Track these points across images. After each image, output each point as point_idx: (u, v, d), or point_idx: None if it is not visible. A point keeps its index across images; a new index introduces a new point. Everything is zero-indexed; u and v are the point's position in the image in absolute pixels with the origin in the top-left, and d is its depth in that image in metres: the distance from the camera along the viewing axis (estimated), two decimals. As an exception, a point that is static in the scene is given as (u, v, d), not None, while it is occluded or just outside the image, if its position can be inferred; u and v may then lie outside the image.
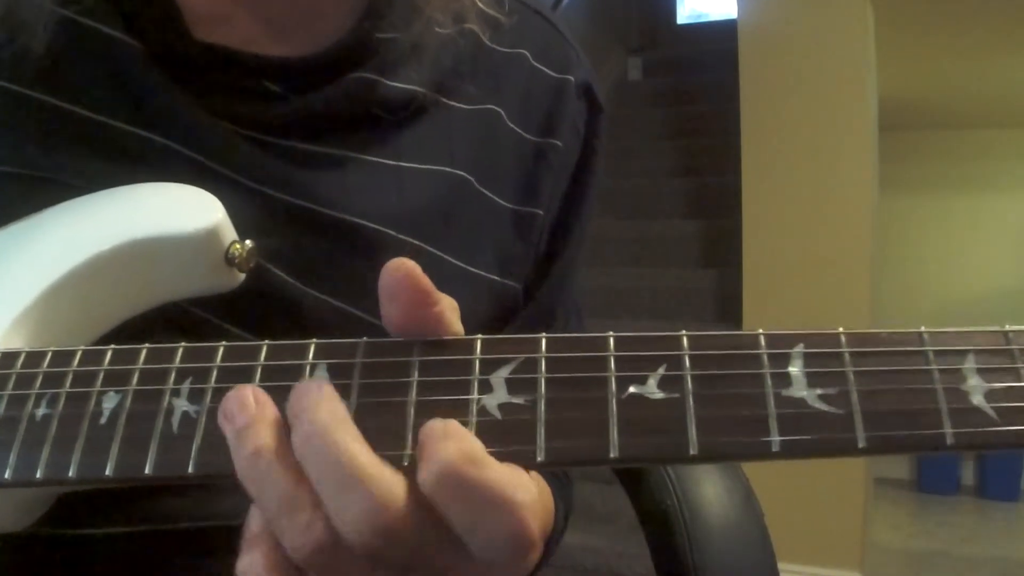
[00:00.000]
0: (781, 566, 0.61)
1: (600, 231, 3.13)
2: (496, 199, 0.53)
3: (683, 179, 3.46)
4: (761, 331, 0.31)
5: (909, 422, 0.29)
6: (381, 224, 0.47)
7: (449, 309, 0.32)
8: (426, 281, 0.31)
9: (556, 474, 0.55)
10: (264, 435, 0.29)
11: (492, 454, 0.29)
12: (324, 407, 0.29)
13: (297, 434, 0.29)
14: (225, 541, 0.43)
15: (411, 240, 0.48)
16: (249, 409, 0.30)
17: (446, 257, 0.50)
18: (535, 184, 0.54)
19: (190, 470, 0.31)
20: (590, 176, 0.58)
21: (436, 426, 0.29)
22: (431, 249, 0.49)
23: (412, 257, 0.48)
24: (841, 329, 0.30)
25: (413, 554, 0.29)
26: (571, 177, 0.57)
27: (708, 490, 0.63)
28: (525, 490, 0.28)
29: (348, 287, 0.46)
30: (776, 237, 2.60)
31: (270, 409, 0.30)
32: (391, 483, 0.28)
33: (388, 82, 0.50)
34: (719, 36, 3.58)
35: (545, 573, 0.55)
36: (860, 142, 2.53)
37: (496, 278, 0.52)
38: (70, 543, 0.42)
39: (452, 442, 0.28)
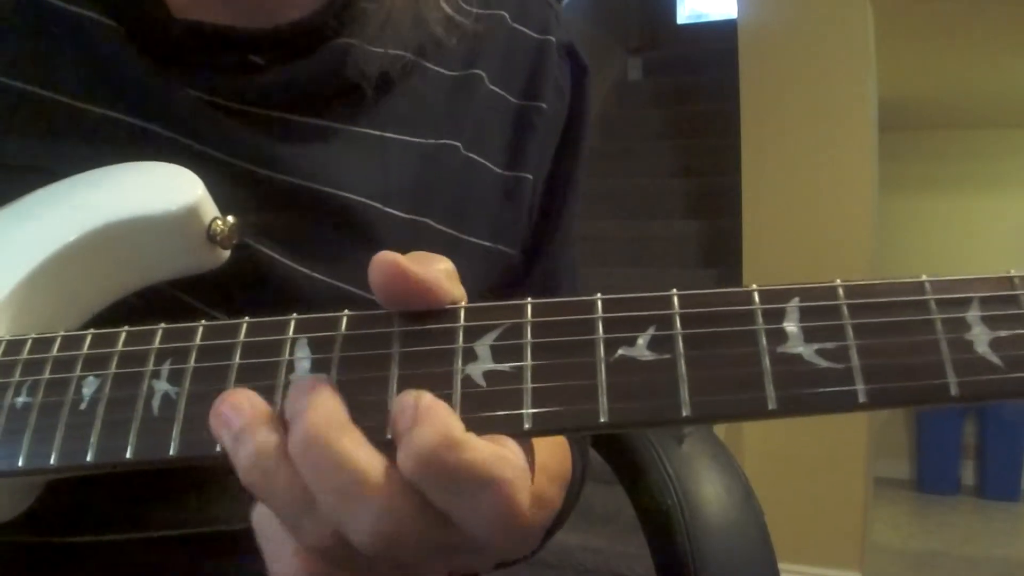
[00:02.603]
0: (781, 566, 0.61)
1: (600, 231, 3.13)
2: (485, 163, 0.52)
3: (683, 179, 3.45)
4: (755, 287, 0.30)
5: (911, 374, 0.27)
6: (367, 197, 0.47)
7: (445, 276, 0.31)
8: (413, 272, 0.30)
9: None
10: (263, 434, 0.28)
11: (477, 422, 0.28)
12: (321, 409, 0.28)
13: (293, 437, 0.28)
14: (218, 547, 0.43)
15: (398, 212, 0.48)
16: (244, 411, 0.29)
17: (436, 226, 0.49)
18: (522, 148, 0.54)
19: (172, 452, 0.31)
20: (580, 137, 0.57)
21: (407, 403, 0.28)
22: (420, 219, 0.49)
23: (401, 229, 0.47)
24: (839, 281, 0.29)
25: (420, 549, 0.28)
26: (560, 139, 0.56)
27: (708, 490, 0.63)
28: (510, 464, 0.27)
29: (336, 262, 0.45)
30: (776, 237, 2.60)
31: (265, 408, 0.29)
32: (397, 490, 0.27)
33: (370, 48, 0.49)
34: (719, 36, 3.58)
35: (546, 573, 0.55)
36: (860, 142, 2.53)
37: (488, 244, 0.52)
38: (60, 552, 0.42)
39: (428, 426, 0.27)
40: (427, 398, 0.28)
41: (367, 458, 0.27)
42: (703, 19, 5.00)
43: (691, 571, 0.59)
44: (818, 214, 2.53)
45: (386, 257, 0.30)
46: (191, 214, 0.40)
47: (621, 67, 4.40)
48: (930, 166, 4.41)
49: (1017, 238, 4.27)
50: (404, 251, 0.49)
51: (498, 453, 0.27)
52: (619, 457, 0.67)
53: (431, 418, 0.27)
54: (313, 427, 0.27)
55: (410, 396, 0.28)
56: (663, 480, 0.63)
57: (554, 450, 0.49)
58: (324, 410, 0.28)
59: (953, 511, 3.84)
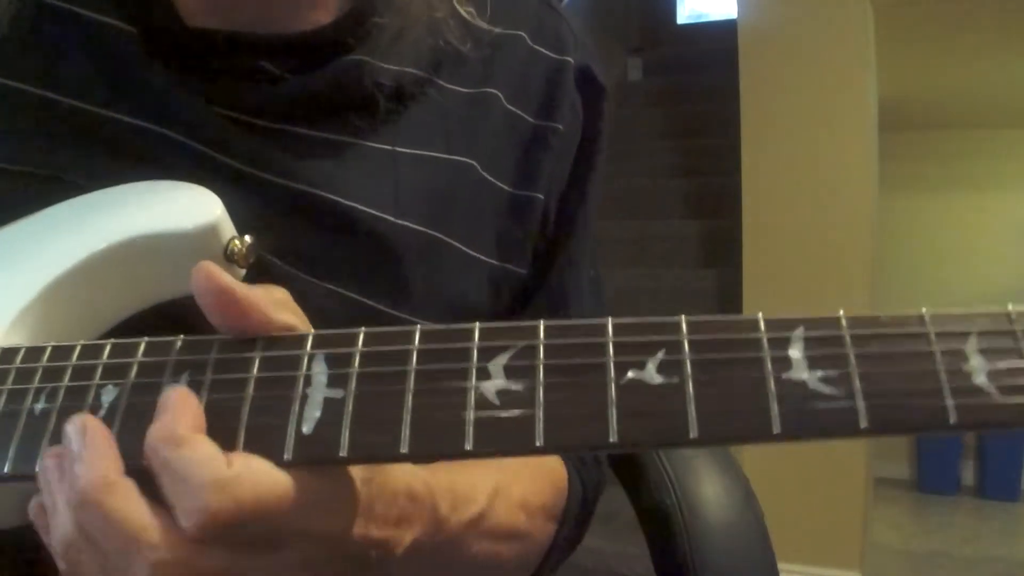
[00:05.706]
0: (781, 566, 0.61)
1: (600, 231, 3.11)
2: (496, 183, 0.52)
3: (683, 179, 3.45)
4: (761, 315, 0.31)
5: (911, 401, 0.28)
6: (379, 210, 0.47)
7: (272, 302, 0.33)
8: (226, 279, 0.32)
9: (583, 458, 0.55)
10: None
11: (490, 439, 0.30)
12: (93, 466, 0.30)
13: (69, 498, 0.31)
14: None
15: (411, 225, 0.48)
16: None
17: (448, 241, 0.50)
18: (534, 168, 0.54)
19: None
20: (595, 157, 0.58)
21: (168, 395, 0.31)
22: (434, 233, 0.49)
23: (413, 241, 0.48)
24: (842, 312, 0.30)
25: None
26: (574, 160, 0.57)
27: (708, 490, 0.63)
28: (217, 472, 0.29)
29: (350, 274, 0.46)
30: (776, 237, 2.59)
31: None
32: (176, 541, 0.30)
33: (383, 65, 0.49)
34: (719, 36, 3.57)
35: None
36: (860, 142, 2.53)
37: (495, 262, 0.52)
38: None
39: (158, 421, 0.30)
40: (182, 394, 0.32)
41: (139, 515, 0.30)
42: (703, 19, 5.00)
43: (691, 571, 0.59)
44: (818, 214, 2.53)
45: (202, 264, 0.33)
46: (209, 233, 0.40)
47: (621, 67, 4.40)
48: (930, 166, 4.41)
49: (1017, 238, 4.27)
50: (420, 264, 0.49)
51: (213, 460, 0.30)
52: (619, 457, 0.67)
53: (165, 410, 0.31)
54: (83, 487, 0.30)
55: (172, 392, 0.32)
56: (663, 480, 0.63)
57: (538, 485, 0.50)
58: (96, 468, 0.30)
59: (953, 511, 3.84)
